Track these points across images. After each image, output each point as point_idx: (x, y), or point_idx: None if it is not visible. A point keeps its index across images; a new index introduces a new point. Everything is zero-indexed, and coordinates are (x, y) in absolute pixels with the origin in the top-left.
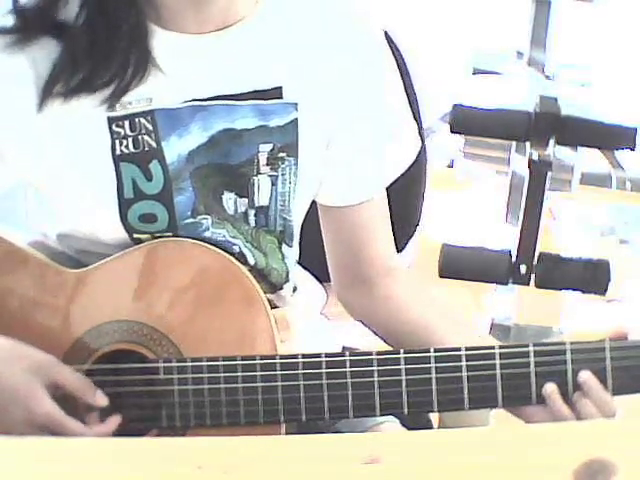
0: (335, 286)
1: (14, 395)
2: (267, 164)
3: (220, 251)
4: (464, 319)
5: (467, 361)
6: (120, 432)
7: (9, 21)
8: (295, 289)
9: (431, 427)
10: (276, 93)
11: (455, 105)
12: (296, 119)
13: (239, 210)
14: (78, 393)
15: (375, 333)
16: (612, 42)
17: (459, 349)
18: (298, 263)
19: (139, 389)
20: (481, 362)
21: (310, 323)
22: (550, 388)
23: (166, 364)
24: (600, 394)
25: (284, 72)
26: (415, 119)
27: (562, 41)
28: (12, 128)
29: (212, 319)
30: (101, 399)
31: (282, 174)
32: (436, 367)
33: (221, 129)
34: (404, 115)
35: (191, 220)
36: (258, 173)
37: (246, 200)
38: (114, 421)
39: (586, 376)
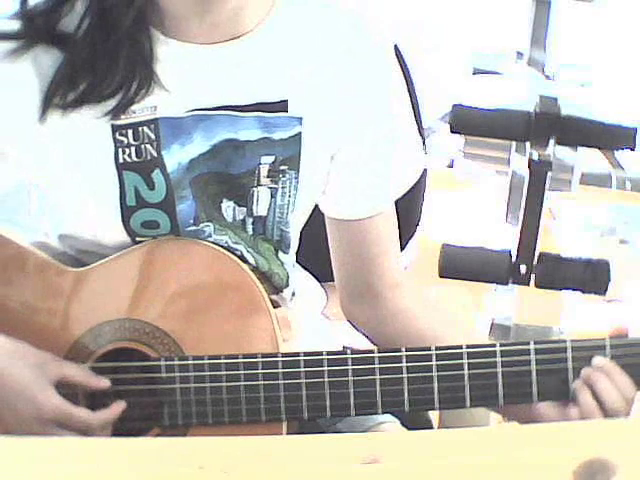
0: (341, 299)
1: (22, 392)
2: (268, 176)
3: (221, 249)
4: (465, 323)
5: (468, 359)
6: (122, 430)
7: (13, 26)
8: (294, 294)
9: (431, 427)
10: (281, 106)
11: (455, 105)
12: (300, 133)
13: (237, 218)
14: (82, 382)
15: (376, 345)
16: (612, 42)
17: (460, 347)
18: (298, 263)
19: (141, 387)
20: (482, 360)
21: (311, 323)
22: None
23: (168, 362)
24: (622, 376)
25: (290, 86)
26: (415, 119)
27: (562, 41)
28: (15, 132)
29: (214, 317)
30: (103, 382)
31: (282, 187)
32: (437, 365)
33: (224, 139)
34: (410, 129)
35: (193, 228)
36: (258, 184)
37: (245, 209)
38: (118, 407)
39: (603, 361)
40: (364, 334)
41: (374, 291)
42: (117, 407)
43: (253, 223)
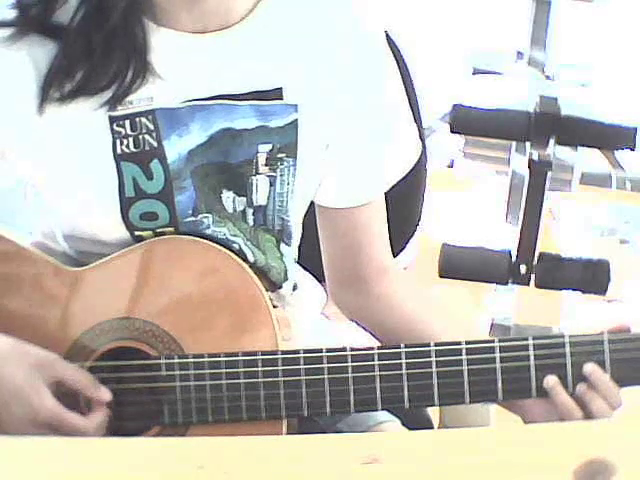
0: (329, 286)
1: (17, 393)
2: (266, 164)
3: (221, 248)
4: (462, 317)
5: (467, 355)
6: (122, 429)
7: (9, 14)
8: (295, 287)
9: (431, 427)
10: (276, 94)
11: (455, 105)
12: (296, 120)
13: (238, 209)
14: (81, 389)
15: (370, 333)
16: (612, 42)
17: (459, 343)
18: (298, 263)
19: (141, 386)
20: (481, 356)
21: (310, 323)
22: (552, 381)
23: (168, 361)
24: (607, 385)
25: (285, 73)
26: (415, 119)
27: (562, 41)
28: (13, 125)
29: (213, 316)
30: (105, 394)
31: (280, 175)
32: (436, 361)
33: (221, 129)
34: (405, 118)
35: (192, 219)
36: (257, 173)
37: (244, 199)
38: (107, 408)
39: (592, 368)
40: (354, 321)
41: (360, 277)
42: (106, 409)
43: (254, 213)
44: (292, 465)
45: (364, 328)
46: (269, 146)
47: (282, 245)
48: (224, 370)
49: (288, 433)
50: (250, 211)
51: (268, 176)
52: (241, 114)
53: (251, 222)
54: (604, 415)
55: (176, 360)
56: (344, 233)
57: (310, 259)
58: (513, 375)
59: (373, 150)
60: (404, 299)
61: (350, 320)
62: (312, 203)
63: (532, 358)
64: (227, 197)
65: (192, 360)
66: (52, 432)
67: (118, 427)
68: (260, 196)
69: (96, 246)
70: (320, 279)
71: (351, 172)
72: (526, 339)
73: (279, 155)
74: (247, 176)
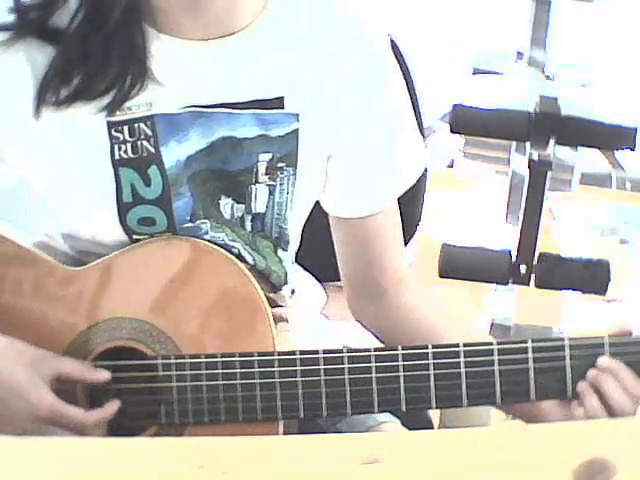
0: (347, 295)
1: (16, 389)
2: (266, 173)
3: (221, 249)
4: (462, 317)
5: (465, 357)
6: (119, 428)
7: (7, 18)
8: (293, 292)
9: (431, 427)
10: (278, 103)
11: (455, 105)
12: (297, 129)
13: (236, 215)
14: (79, 376)
15: (383, 342)
16: (612, 42)
17: (457, 345)
18: (298, 263)
19: (138, 386)
20: (479, 358)
21: (310, 323)
22: (583, 385)
23: (165, 361)
24: (629, 376)
25: (286, 82)
26: (415, 119)
27: (562, 41)
28: (11, 128)
29: (211, 317)
30: (103, 374)
31: (280, 184)
32: (434, 363)
33: (221, 136)
34: (410, 124)
35: (190, 224)
36: (256, 182)
37: (243, 206)
38: (112, 406)
39: (608, 361)
40: (372, 332)
41: (378, 288)
42: (111, 406)
43: (252, 220)
44: (292, 465)
45: (379, 337)
46: (269, 155)
47: (279, 251)
48: (221, 371)
49: (288, 433)
50: (248, 218)
51: (268, 185)
52: (242, 122)
53: (249, 228)
54: (626, 409)
55: (173, 360)
56: (357, 243)
57: (310, 259)
58: (511, 378)
59: (378, 158)
60: (421, 311)
61: (367, 330)
62: (314, 211)
63: (531, 361)
64: (225, 204)
65: (189, 360)
66: (51, 427)
67: (115, 426)
68: (259, 204)
69: (96, 247)
70: (320, 279)
71: (358, 182)
72: (525, 342)
73: (279, 164)
74: (246, 184)
